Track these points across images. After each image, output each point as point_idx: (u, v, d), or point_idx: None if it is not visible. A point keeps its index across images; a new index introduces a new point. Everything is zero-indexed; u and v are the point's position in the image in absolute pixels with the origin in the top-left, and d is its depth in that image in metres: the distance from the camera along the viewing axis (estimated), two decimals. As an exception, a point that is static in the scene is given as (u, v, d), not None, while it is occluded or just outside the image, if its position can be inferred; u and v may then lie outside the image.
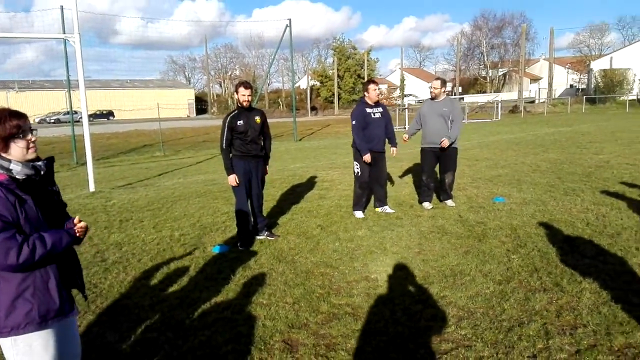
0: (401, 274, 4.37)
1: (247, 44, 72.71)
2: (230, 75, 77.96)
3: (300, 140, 22.10)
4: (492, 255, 4.71)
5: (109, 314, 3.77)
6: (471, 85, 69.76)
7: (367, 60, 58.99)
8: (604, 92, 40.66)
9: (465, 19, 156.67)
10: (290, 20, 20.65)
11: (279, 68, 71.33)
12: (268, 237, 5.60)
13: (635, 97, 39.02)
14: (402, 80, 59.43)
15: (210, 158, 15.69)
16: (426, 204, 6.84)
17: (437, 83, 6.74)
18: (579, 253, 4.64)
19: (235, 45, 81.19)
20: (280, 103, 62.67)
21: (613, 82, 40.50)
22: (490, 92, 60.65)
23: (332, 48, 64.40)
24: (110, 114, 58.32)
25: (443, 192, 7.02)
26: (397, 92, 59.99)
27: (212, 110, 63.80)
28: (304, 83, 67.35)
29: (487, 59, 70.23)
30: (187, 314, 3.70)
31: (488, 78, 69.99)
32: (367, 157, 6.27)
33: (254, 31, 76.74)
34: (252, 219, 5.57)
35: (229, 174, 5.33)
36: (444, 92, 6.80)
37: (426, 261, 4.65)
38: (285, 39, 21.01)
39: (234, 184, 5.33)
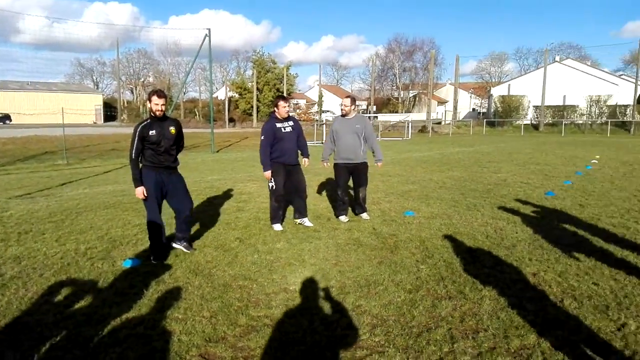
0: (319, 285, 4.47)
1: (163, 51, 70.54)
2: (144, 81, 74.92)
3: (217, 152, 21.73)
4: (403, 266, 4.97)
5: (7, 332, 3.46)
6: (384, 104, 72.96)
7: (287, 75, 59.61)
8: (502, 116, 44.44)
9: (380, 42, 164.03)
10: (209, 30, 20.39)
11: (196, 77, 69.84)
12: (184, 249, 5.45)
13: (529, 122, 43.03)
14: (320, 96, 60.76)
15: (119, 167, 14.92)
16: (342, 218, 7.05)
17: (348, 101, 7.00)
18: (479, 263, 5.04)
19: (150, 51, 78.10)
20: (197, 113, 61.18)
21: (510, 108, 44.40)
22: (402, 112, 63.79)
23: (251, 61, 64.30)
24: (6, 117, 53.47)
25: (358, 205, 7.28)
26: (315, 108, 61.16)
27: (122, 118, 60.69)
28: (222, 94, 66.44)
29: (399, 81, 73.94)
30: (95, 330, 3.49)
31: (400, 99, 73.62)
32: (268, 174, 6.39)
33: (170, 38, 74.67)
34: (164, 231, 5.38)
35: (136, 186, 5.09)
36: (354, 109, 7.08)
37: (342, 272, 4.80)
38: (204, 49, 20.69)
39: (141, 196, 5.11)
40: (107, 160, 17.36)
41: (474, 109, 70.68)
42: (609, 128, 36.39)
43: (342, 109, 7.09)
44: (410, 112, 65.27)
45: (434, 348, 3.26)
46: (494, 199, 8.74)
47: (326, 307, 3.97)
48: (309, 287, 4.42)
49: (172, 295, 4.15)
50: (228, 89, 63.44)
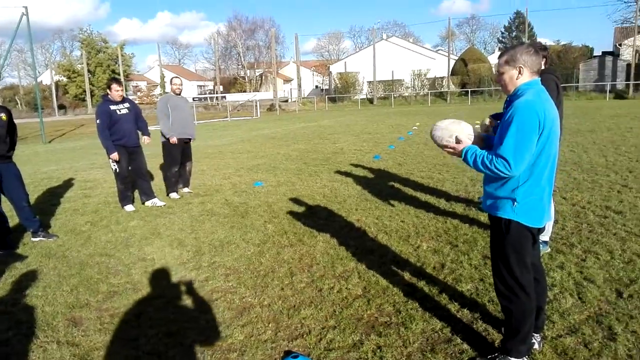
0: (176, 252, 4.90)
1: (-35, 31, 60.14)
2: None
3: (50, 142, 19.89)
4: (253, 227, 5.63)
5: None
6: (231, 84, 72.48)
7: (122, 55, 55.52)
8: (341, 92, 47.62)
9: (220, 19, 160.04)
10: (26, 8, 18.34)
11: (11, 61, 61.20)
12: (46, 239, 5.38)
13: (365, 97, 46.86)
14: (162, 77, 57.96)
15: None
16: (174, 195, 7.36)
17: (179, 81, 7.42)
18: (316, 216, 5.94)
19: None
20: (19, 101, 53.96)
21: (348, 84, 47.74)
22: (250, 92, 64.22)
23: (79, 40, 58.41)
24: None
25: (184, 180, 7.69)
26: (158, 90, 58.28)
27: None
28: (47, 78, 59.37)
29: (244, 60, 73.92)
30: (-53, 319, 3.50)
31: (246, 78, 73.78)
32: (115, 156, 6.43)
33: (-26, 15, 64.08)
34: (7, 220, 5.23)
35: None
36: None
37: (198, 238, 5.29)
38: (22, 29, 18.58)
39: None
40: None
41: (317, 86, 74.10)
42: (429, 99, 41.56)
43: (176, 89, 7.34)
44: (257, 91, 66.01)
45: (277, 282, 3.99)
46: (332, 165, 9.87)
47: (184, 267, 4.45)
48: (167, 254, 4.83)
49: (28, 278, 4.23)
50: (54, 72, 56.94)
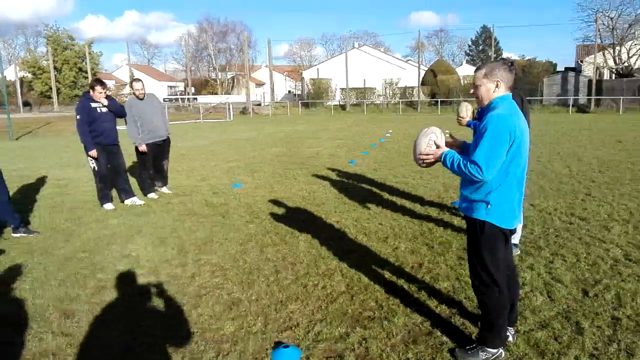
0: (160, 249, 4.97)
1: None
2: None
3: (17, 139, 19.34)
4: (234, 226, 5.75)
5: None
6: (203, 86, 71.80)
7: (89, 53, 54.27)
8: (314, 97, 47.93)
9: (190, 20, 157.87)
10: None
11: (-28, 54, 58.85)
12: (26, 234, 5.35)
13: (337, 103, 47.31)
14: (132, 77, 56.89)
15: None
16: (152, 195, 7.38)
17: (140, 84, 7.17)
18: (296, 217, 6.10)
19: None
20: (-21, 96, 51.91)
21: (321, 90, 48.11)
22: (221, 94, 63.77)
23: (44, 36, 56.74)
24: None
25: (163, 179, 7.72)
26: (127, 89, 57.15)
27: None
28: (10, 74, 57.40)
29: (215, 62, 73.40)
30: None
31: (218, 80, 73.24)
32: (93, 153, 6.41)
33: None
34: None
35: None
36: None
37: (180, 237, 5.37)
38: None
39: None
40: None
41: (289, 91, 74.28)
42: (400, 107, 42.33)
43: (138, 94, 7.10)
44: (229, 94, 65.60)
45: (263, 279, 4.14)
46: (309, 169, 10.05)
47: (169, 263, 4.54)
48: (150, 251, 4.90)
49: (14, 273, 4.24)
50: (18, 68, 55.11)
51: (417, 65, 46.35)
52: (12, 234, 5.37)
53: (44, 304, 3.60)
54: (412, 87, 44.66)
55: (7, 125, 19.51)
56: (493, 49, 43.71)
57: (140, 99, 7.14)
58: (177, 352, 2.99)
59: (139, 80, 7.28)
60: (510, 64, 2.89)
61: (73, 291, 3.86)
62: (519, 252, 4.59)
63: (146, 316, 3.44)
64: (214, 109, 41.88)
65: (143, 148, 7.11)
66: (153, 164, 7.40)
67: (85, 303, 3.65)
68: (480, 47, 71.60)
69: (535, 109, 34.44)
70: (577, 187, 7.52)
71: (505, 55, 55.42)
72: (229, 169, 10.21)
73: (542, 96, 36.45)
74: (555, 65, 48.34)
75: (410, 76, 46.35)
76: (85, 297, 3.76)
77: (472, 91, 2.90)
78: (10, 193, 7.75)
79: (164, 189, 7.68)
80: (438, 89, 42.56)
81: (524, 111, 4.31)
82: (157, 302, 3.70)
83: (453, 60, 76.08)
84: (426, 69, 47.74)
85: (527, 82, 35.70)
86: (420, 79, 44.17)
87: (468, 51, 76.69)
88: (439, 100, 40.24)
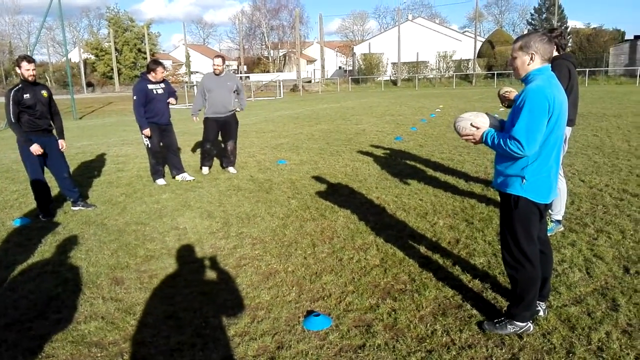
0: (206, 222, 5.22)
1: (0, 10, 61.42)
2: (-23, 44, 64.98)
3: (80, 118, 20.53)
4: (277, 202, 5.91)
5: None
6: (255, 64, 72.56)
7: (148, 35, 56.12)
8: (365, 73, 47.34)
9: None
10: (58, -14, 18.79)
11: (41, 38, 62.41)
12: (85, 208, 5.77)
13: (388, 78, 46.51)
14: (188, 56, 58.47)
15: (-30, 140, 13.65)
16: (205, 169, 7.68)
17: (219, 60, 7.44)
18: (337, 193, 6.18)
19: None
20: (48, 78, 55.24)
21: (372, 65, 47.41)
22: (273, 72, 64.27)
23: (106, 19, 59.13)
24: None
25: (226, 159, 7.93)
26: (183, 69, 58.80)
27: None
28: (75, 56, 60.45)
29: (268, 40, 73.79)
30: (7, 273, 3.88)
31: (270, 58, 73.73)
32: (147, 132, 6.71)
33: (6, -7, 65.23)
34: (49, 190, 5.61)
35: (29, 146, 5.26)
36: (224, 68, 7.61)
37: (225, 211, 5.60)
38: (52, 7, 19.07)
39: (40, 151, 5.30)
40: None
41: (340, 67, 73.62)
42: (454, 81, 41.05)
43: (215, 69, 7.43)
44: (281, 71, 66.00)
45: (300, 252, 4.27)
46: (354, 145, 10.06)
47: (213, 236, 4.77)
48: (197, 224, 5.15)
49: (71, 242, 4.61)
50: (82, 50, 57.94)
51: (473, 36, 44.56)
52: (72, 207, 5.80)
53: (97, 272, 3.91)
54: (468, 60, 43.10)
55: (71, 105, 20.73)
56: (557, 16, 41.19)
57: (216, 75, 7.40)
58: (216, 317, 3.18)
59: (219, 56, 7.53)
60: (550, 34, 2.78)
61: (124, 260, 4.16)
62: (562, 228, 4.45)
63: (188, 285, 3.67)
64: (265, 87, 42.35)
65: (195, 119, 7.64)
66: (214, 139, 7.64)
67: (134, 271, 3.94)
68: (544, 16, 67.50)
69: (599, 80, 32.36)
70: (634, 163, 7.10)
71: (570, 23, 52.11)
72: (276, 145, 10.40)
73: (608, 66, 34.12)
74: (624, 33, 44.87)
75: (466, 48, 44.69)
76: (134, 266, 4.04)
77: (508, 63, 2.83)
78: (72, 169, 8.33)
79: (230, 169, 7.81)
80: (495, 60, 40.82)
81: (570, 82, 4.13)
82: (200, 271, 3.93)
83: (514, 30, 72.44)
84: (484, 40, 45.79)
85: (592, 51, 33.52)
86: (477, 51, 42.46)
87: (530, 20, 72.50)
88: (496, 72, 38.60)
